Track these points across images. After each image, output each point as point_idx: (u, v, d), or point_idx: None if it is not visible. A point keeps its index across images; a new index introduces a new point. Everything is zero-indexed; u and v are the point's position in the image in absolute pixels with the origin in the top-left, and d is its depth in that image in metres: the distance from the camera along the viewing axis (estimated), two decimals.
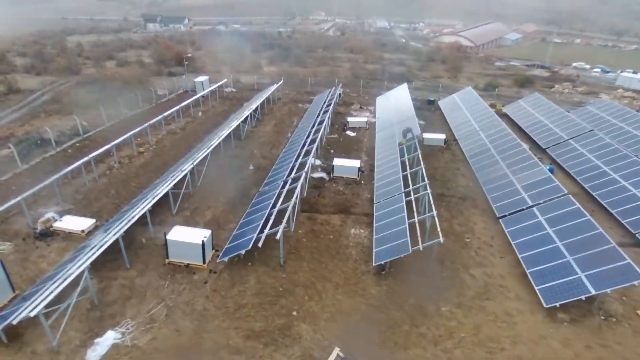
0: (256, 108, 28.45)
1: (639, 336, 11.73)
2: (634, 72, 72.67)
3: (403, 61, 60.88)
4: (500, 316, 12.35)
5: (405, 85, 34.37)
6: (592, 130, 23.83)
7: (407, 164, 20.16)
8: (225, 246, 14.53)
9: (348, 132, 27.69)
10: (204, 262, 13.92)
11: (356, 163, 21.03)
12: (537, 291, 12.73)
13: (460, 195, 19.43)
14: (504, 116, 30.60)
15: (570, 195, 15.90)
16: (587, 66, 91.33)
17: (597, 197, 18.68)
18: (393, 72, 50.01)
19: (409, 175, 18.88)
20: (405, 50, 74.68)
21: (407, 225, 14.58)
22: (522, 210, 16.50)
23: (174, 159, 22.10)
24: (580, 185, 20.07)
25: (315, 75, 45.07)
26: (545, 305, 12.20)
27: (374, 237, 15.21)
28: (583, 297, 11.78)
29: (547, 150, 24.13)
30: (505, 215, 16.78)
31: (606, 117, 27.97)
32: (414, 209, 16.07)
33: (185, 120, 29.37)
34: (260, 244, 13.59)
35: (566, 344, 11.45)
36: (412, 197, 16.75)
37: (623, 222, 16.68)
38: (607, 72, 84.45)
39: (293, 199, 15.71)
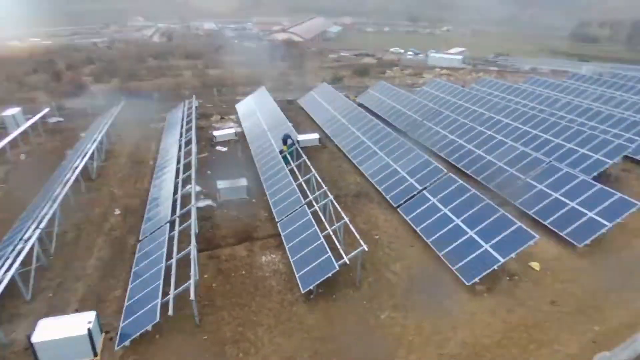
0: (101, 138, 23.85)
1: (540, 287, 13.46)
2: (437, 52, 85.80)
3: (244, 62, 59.80)
4: (433, 306, 12.69)
5: (263, 89, 33.46)
6: (438, 109, 26.97)
7: (297, 172, 19.44)
8: (121, 325, 11.48)
9: (218, 148, 25.52)
10: (95, 355, 10.73)
11: (242, 182, 19.36)
12: (455, 271, 13.51)
13: (353, 193, 19.64)
14: (361, 106, 32.39)
15: (450, 174, 17.46)
16: (402, 50, 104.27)
17: (461, 168, 21.11)
18: (240, 74, 48.56)
19: (303, 183, 18.18)
20: (243, 51, 73.65)
21: (322, 240, 13.85)
22: (415, 195, 17.47)
23: (3, 227, 16.77)
24: (445, 160, 22.38)
25: (159, 87, 40.62)
26: (467, 284, 13.01)
27: (292, 259, 14.06)
28: (496, 267, 12.94)
29: (407, 133, 26.29)
30: (401, 204, 17.53)
31: (442, 96, 32.18)
32: (323, 219, 15.47)
33: (3, 169, 22.86)
34: (170, 311, 11.11)
35: (493, 314, 12.40)
36: (316, 206, 16.10)
37: (489, 186, 19.14)
38: (418, 53, 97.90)
39: (192, 241, 13.40)
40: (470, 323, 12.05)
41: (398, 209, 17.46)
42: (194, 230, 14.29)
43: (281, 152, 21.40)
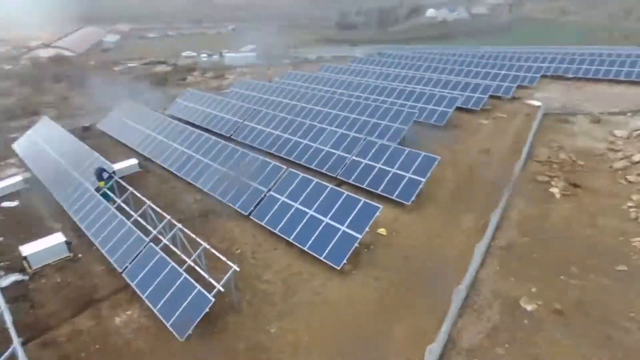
0: None
1: (392, 248, 15.26)
2: (230, 52, 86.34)
3: (6, 90, 48.18)
4: (314, 301, 12.98)
5: (46, 118, 27.54)
6: (255, 108, 27.30)
7: (126, 207, 16.81)
8: None
9: (5, 205, 19.97)
10: None
11: (58, 238, 15.65)
12: (324, 260, 14.09)
13: (198, 213, 18.23)
14: (173, 118, 30.15)
15: (290, 169, 17.94)
16: (194, 53, 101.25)
17: (294, 160, 22.01)
18: (5, 105, 38.86)
19: (138, 219, 15.86)
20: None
21: (185, 275, 12.46)
22: (263, 199, 17.36)
23: None
24: (278, 156, 22.92)
25: None
26: (338, 268, 13.73)
27: (155, 309, 12.21)
28: (357, 244, 14.03)
29: (232, 137, 25.81)
30: (252, 211, 17.17)
31: (254, 94, 32.68)
32: (177, 251, 13.89)
33: None
34: None
35: (365, 286, 13.50)
36: (164, 240, 14.32)
37: (323, 171, 20.54)
38: (212, 55, 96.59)
39: (13, 337, 10.14)
40: (350, 302, 12.83)
41: (250, 217, 17.07)
42: (9, 320, 10.86)
43: (98, 189, 18.13)
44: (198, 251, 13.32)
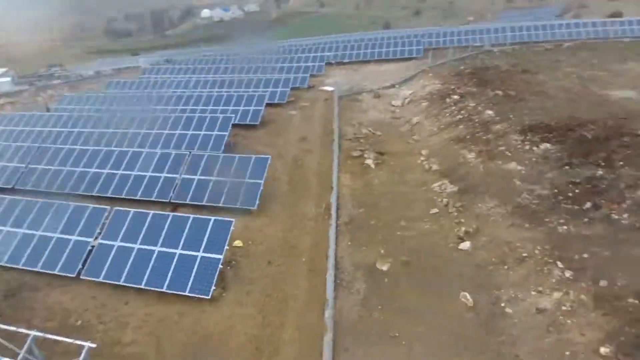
0: None
1: (252, 258, 15.09)
2: None
3: None
4: (194, 341, 11.86)
5: None
6: (46, 146, 22.39)
7: None
8: None
9: None
10: None
11: None
12: (189, 294, 12.92)
13: (4, 294, 14.04)
14: None
15: (116, 208, 15.52)
16: None
17: (114, 196, 19.15)
18: None
19: None
20: None
21: None
22: (92, 250, 14.58)
23: None
24: (93, 196, 19.50)
25: None
26: (207, 297, 12.80)
27: None
28: (221, 266, 13.33)
29: (17, 187, 20.67)
30: (81, 270, 14.26)
31: (28, 129, 26.62)
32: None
33: None
34: None
35: (240, 305, 13.06)
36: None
37: (153, 199, 18.57)
38: None
39: None
40: (232, 324, 12.23)
41: (81, 277, 14.17)
42: None
43: None
44: (26, 345, 10.35)
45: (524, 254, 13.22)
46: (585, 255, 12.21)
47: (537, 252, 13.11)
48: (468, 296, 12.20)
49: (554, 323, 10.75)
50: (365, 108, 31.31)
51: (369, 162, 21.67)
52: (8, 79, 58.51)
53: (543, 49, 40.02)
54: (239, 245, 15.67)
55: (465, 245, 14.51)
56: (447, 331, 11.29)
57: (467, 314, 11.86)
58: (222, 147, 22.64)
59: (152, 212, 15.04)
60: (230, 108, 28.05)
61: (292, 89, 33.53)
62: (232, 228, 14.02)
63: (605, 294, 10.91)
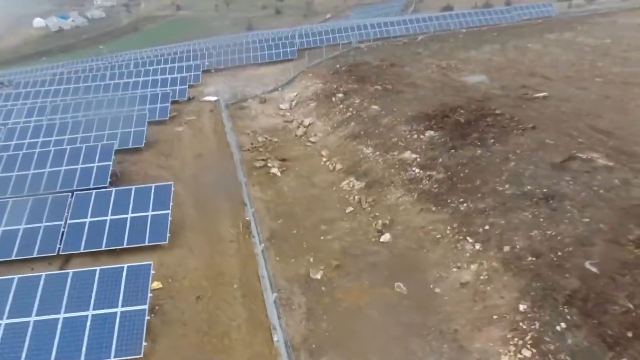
0: None
1: (178, 302, 13.80)
2: None
3: None
4: None
5: None
6: None
7: None
8: None
9: None
10: None
11: None
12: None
13: None
14: None
15: None
16: None
17: None
18: None
19: None
20: None
21: None
22: None
23: None
24: None
25: None
26: (140, 356, 11.29)
27: None
28: (148, 317, 11.86)
29: None
30: None
31: None
32: None
33: None
34: None
35: (176, 354, 11.88)
36: None
37: (34, 256, 15.62)
38: None
39: None
40: None
41: None
42: None
43: None
44: None
45: (438, 236, 14.67)
46: (487, 227, 14.09)
47: (448, 231, 14.67)
48: (402, 285, 13.07)
49: (477, 292, 12.20)
50: (255, 115, 30.92)
51: (275, 170, 21.51)
52: None
53: (402, 43, 44.46)
54: (158, 287, 14.14)
55: (386, 237, 15.46)
56: (393, 323, 11.94)
57: (405, 301, 12.70)
58: (108, 180, 20.08)
59: (42, 274, 12.60)
60: (106, 132, 24.96)
61: (171, 102, 31.26)
62: (152, 272, 12.57)
63: (510, 257, 12.76)
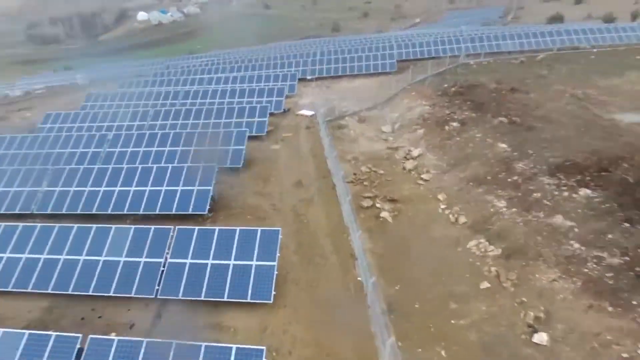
0: None
1: None
2: None
3: None
4: None
5: None
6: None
7: None
8: None
9: None
10: None
11: None
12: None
13: None
14: None
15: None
16: None
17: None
18: None
19: None
20: None
21: None
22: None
23: None
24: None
25: None
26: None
27: None
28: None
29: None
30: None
31: None
32: None
33: None
34: None
35: None
36: None
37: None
38: None
39: None
40: None
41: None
42: None
43: None
44: None
45: (624, 355, 10.96)
46: None
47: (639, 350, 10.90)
48: None
49: None
50: (354, 136, 28.45)
51: (385, 214, 18.79)
52: None
53: (519, 62, 39.36)
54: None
55: (541, 338, 12.04)
56: None
57: None
58: (207, 206, 18.80)
59: (144, 340, 11.08)
60: (206, 148, 23.96)
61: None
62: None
63: None
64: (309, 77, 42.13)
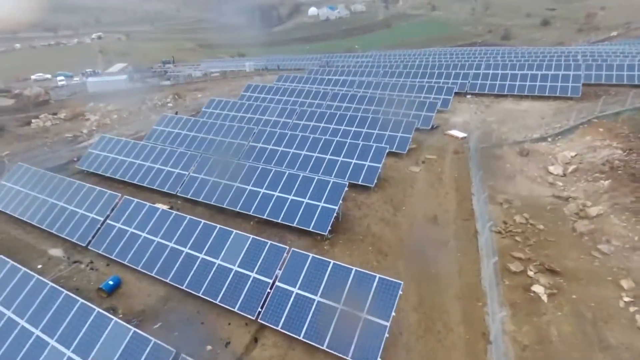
0: None
1: None
2: (96, 74, 72.83)
3: None
4: None
5: None
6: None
7: None
8: None
9: None
10: None
11: None
12: None
13: None
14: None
15: None
16: (49, 75, 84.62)
17: None
18: None
19: None
20: None
21: None
22: None
23: None
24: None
25: None
26: None
27: None
28: None
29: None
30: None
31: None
32: None
33: None
34: None
35: None
36: None
37: None
38: (71, 76, 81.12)
39: None
40: None
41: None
42: None
43: None
44: None
45: None
46: None
47: None
48: None
49: None
50: (511, 172, 23.91)
51: (539, 289, 14.72)
52: (124, 76, 60.52)
53: None
54: None
55: None
56: None
57: None
58: (328, 227, 17.43)
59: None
60: (340, 159, 22.71)
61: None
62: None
63: None
64: (467, 96, 37.77)
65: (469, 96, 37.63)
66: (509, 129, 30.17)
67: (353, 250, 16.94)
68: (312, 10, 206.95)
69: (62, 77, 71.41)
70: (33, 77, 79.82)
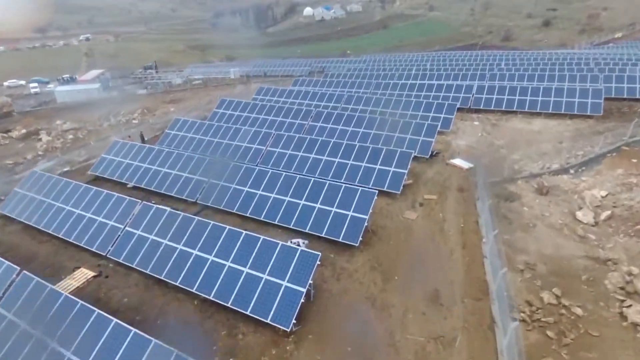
0: None
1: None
2: (67, 80, 68.09)
3: None
4: None
5: None
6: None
7: None
8: None
9: None
10: None
11: None
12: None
13: None
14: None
15: None
16: (23, 82, 79.99)
17: None
18: None
19: None
20: None
21: None
22: None
23: None
24: None
25: None
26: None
27: None
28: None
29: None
30: None
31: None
32: None
33: None
34: None
35: None
36: None
37: None
38: (47, 83, 76.66)
39: None
40: None
41: None
42: None
43: None
44: None
45: None
46: None
47: None
48: None
49: None
50: (529, 219, 19.33)
51: None
52: (96, 85, 55.65)
53: None
54: None
55: None
56: None
57: None
58: (296, 314, 12.78)
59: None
60: (317, 206, 18.05)
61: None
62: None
63: None
64: (472, 108, 33.20)
65: (474, 116, 33.02)
66: (521, 156, 25.68)
67: (326, 353, 12.28)
68: (307, 11, 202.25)
69: (35, 85, 66.55)
70: (6, 83, 74.97)
